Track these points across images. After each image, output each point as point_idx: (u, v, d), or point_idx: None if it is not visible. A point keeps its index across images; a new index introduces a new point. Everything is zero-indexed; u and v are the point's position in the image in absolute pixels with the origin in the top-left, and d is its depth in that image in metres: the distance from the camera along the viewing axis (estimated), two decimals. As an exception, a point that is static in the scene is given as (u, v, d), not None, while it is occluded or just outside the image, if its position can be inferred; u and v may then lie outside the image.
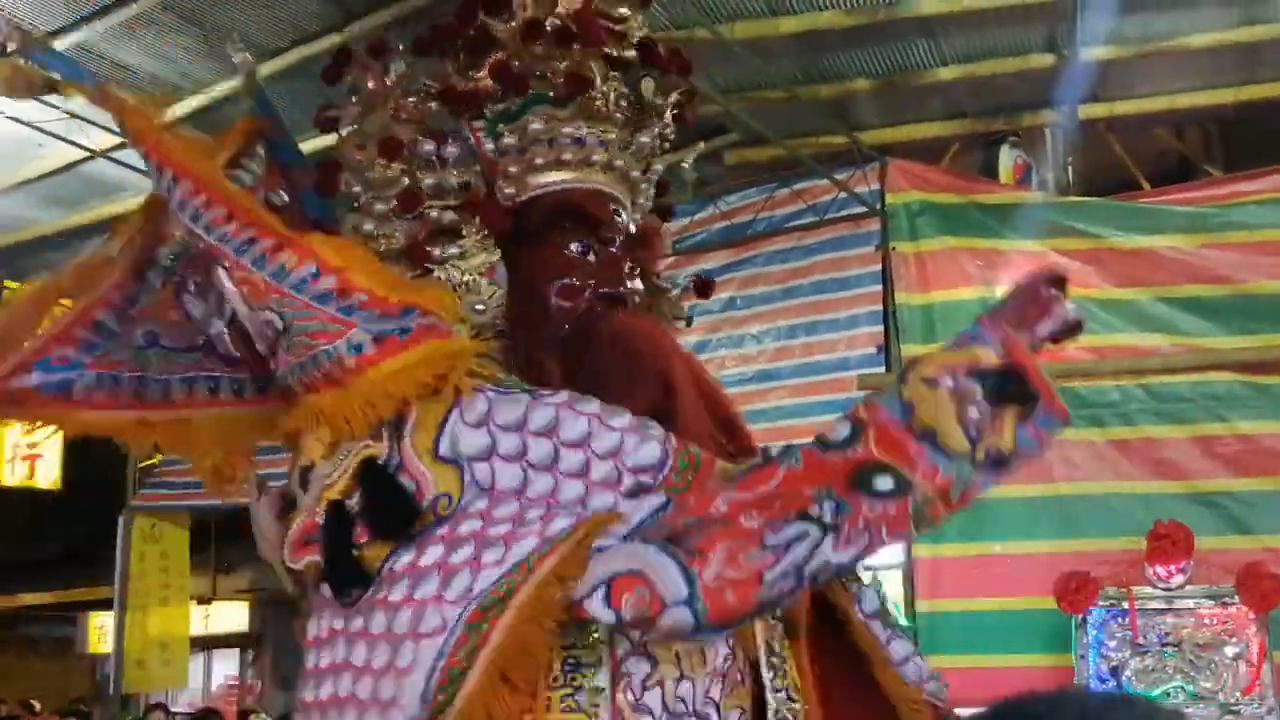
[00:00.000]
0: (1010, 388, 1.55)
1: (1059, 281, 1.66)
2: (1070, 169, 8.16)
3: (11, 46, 2.10)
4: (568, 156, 2.06)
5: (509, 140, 2.06)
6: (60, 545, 14.64)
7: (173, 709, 12.59)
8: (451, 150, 2.05)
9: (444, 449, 1.77)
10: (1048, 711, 1.09)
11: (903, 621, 7.03)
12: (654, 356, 1.96)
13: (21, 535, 14.49)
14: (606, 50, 2.12)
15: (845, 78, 7.87)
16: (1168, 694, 6.53)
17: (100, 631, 14.89)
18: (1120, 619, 6.75)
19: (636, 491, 1.72)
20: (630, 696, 1.76)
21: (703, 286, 2.33)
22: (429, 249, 2.00)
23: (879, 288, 7.94)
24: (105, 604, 12.58)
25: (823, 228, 8.28)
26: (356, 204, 2.07)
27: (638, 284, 2.13)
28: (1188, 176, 8.30)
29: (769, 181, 8.45)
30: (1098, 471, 7.40)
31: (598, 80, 2.07)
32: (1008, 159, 8.12)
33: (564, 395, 1.80)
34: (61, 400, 2.07)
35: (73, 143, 8.11)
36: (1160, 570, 6.70)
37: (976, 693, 6.66)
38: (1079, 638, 6.75)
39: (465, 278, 1.99)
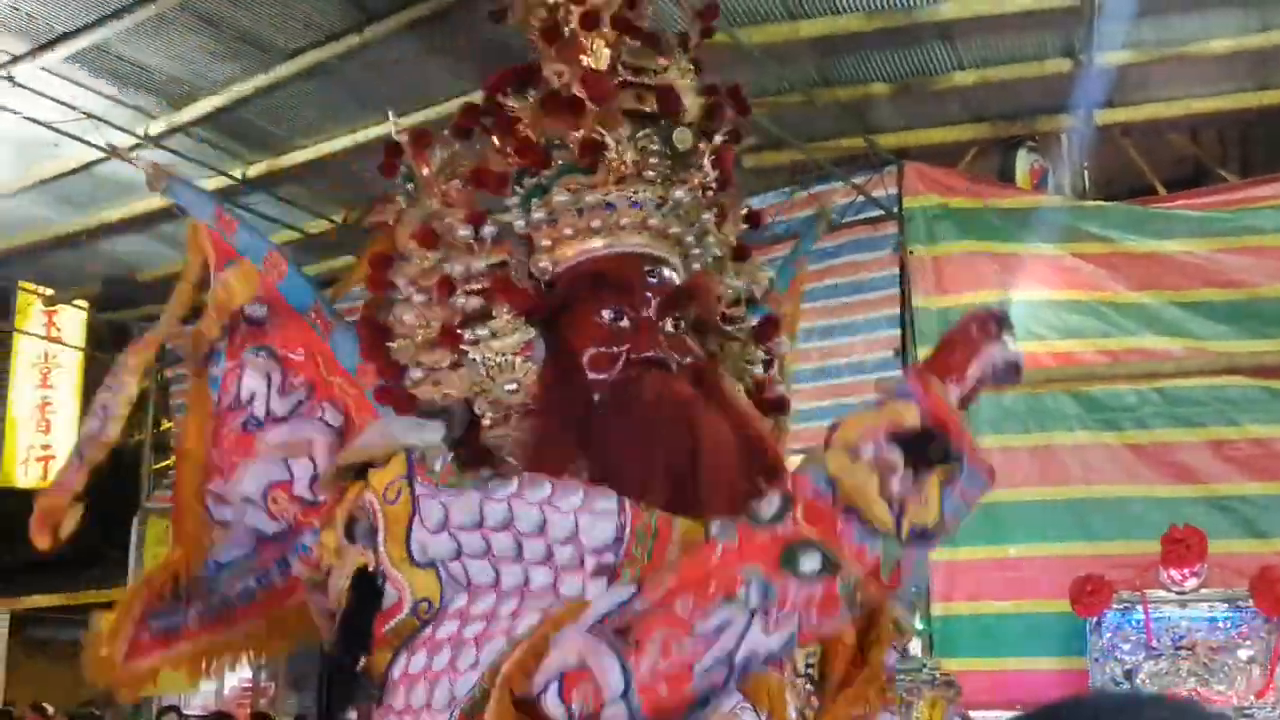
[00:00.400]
0: (933, 449, 1.49)
1: (999, 322, 1.61)
2: (1086, 173, 8.18)
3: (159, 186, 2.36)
4: (596, 224, 2.04)
5: (538, 215, 2.04)
6: (72, 546, 14.61)
7: (186, 712, 12.56)
8: (489, 230, 2.03)
9: (416, 555, 1.80)
10: (1108, 713, 1.03)
11: (918, 625, 7.07)
12: (676, 421, 1.91)
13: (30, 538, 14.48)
14: (637, 107, 2.07)
15: (863, 82, 7.89)
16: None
17: (111, 633, 14.87)
18: (1134, 622, 6.77)
19: (600, 571, 1.73)
20: None
21: (764, 329, 2.23)
22: (460, 333, 1.99)
23: (896, 291, 7.96)
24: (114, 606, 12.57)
25: (840, 231, 8.29)
26: (399, 296, 2.07)
27: (689, 340, 2.07)
28: (1203, 181, 8.33)
29: (786, 185, 8.47)
30: (1112, 475, 7.44)
31: (611, 142, 2.03)
32: (1024, 163, 8.15)
33: (514, 485, 1.80)
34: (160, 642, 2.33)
35: (88, 143, 8.12)
36: (1174, 574, 6.73)
37: (991, 695, 6.71)
38: (1093, 641, 6.78)
39: (498, 359, 1.98)
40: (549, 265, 2.05)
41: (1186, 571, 6.74)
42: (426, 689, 1.72)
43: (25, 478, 12.66)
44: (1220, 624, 6.70)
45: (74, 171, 8.71)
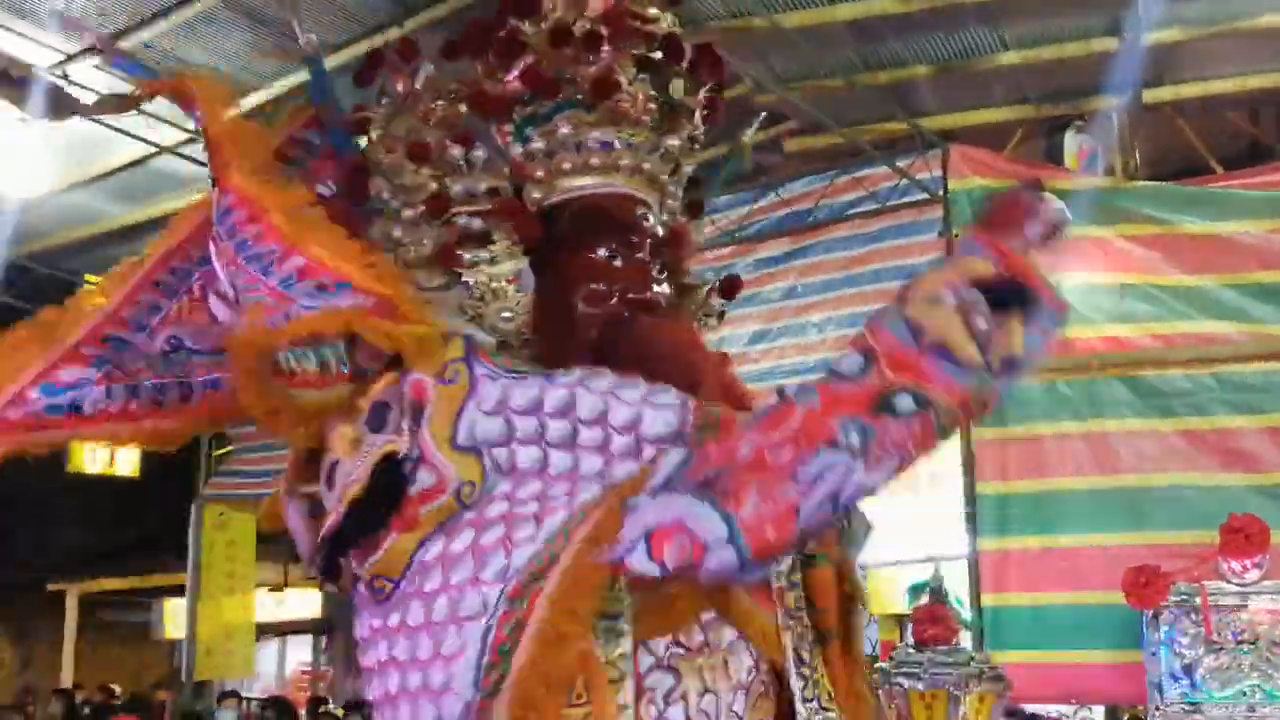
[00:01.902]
0: (1011, 293, 1.56)
1: (1036, 185, 1.68)
2: (1137, 153, 8.00)
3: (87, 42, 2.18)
4: (595, 161, 2.04)
5: (537, 145, 2.04)
6: (138, 531, 14.93)
7: (246, 695, 12.75)
8: (479, 154, 2.04)
9: (462, 438, 1.78)
10: None
11: (967, 616, 6.95)
12: (680, 363, 1.94)
13: (101, 522, 14.81)
14: (635, 51, 2.08)
15: (904, 64, 7.78)
16: (1243, 693, 6.38)
17: (178, 618, 15.15)
18: (1193, 615, 6.59)
19: (657, 459, 1.72)
20: (654, 711, 1.76)
21: (729, 286, 2.27)
22: (458, 254, 1.99)
23: (942, 276, 7.84)
24: (180, 590, 12.83)
25: (884, 215, 8.20)
26: (384, 209, 2.06)
27: (666, 287, 2.10)
28: (1260, 159, 8.11)
29: (829, 169, 8.39)
30: (1167, 462, 7.26)
31: (624, 83, 2.04)
32: (1073, 144, 7.99)
33: (577, 374, 1.80)
34: (73, 418, 2.08)
35: (142, 139, 8.26)
36: (1234, 564, 6.54)
37: (1044, 689, 6.55)
38: (1149, 634, 6.60)
39: (493, 284, 1.97)
40: (540, 196, 2.05)
41: (1247, 562, 6.55)
42: (474, 564, 1.70)
43: (93, 464, 12.96)
44: (1284, 617, 6.51)
45: (129, 166, 8.88)
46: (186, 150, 8.48)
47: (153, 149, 8.47)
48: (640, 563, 1.61)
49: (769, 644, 1.90)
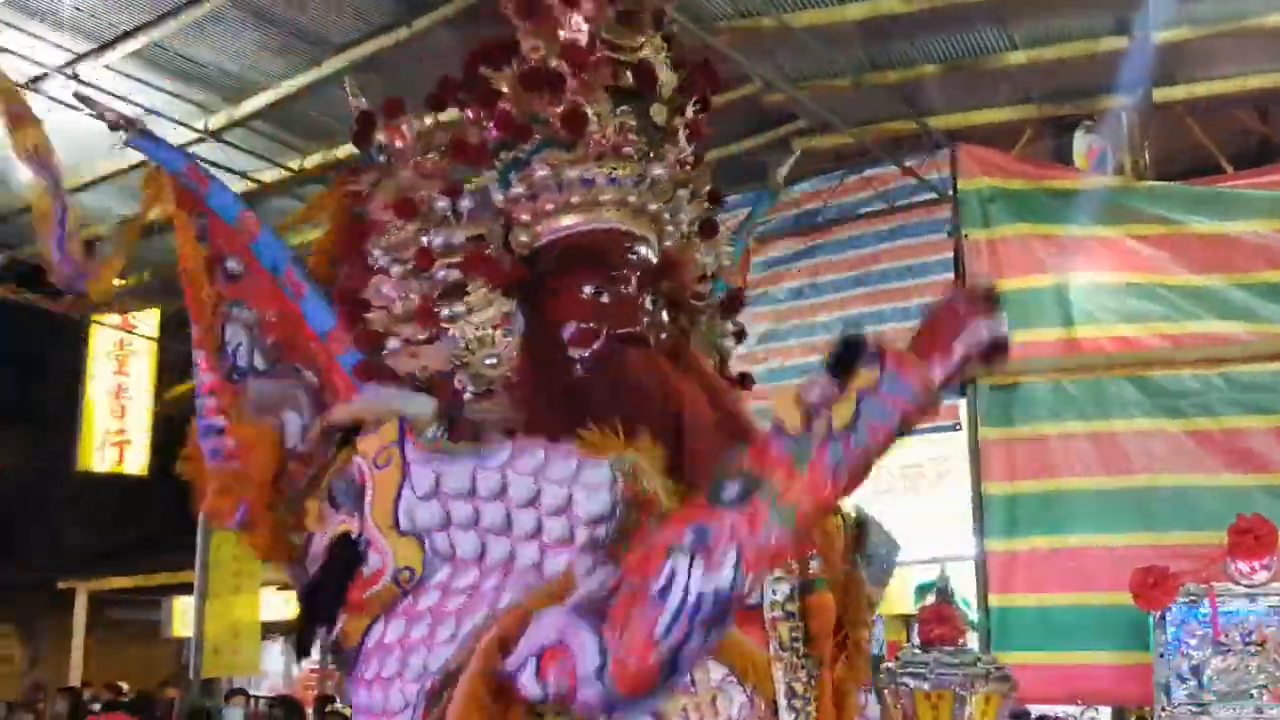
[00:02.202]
0: (853, 356, 1.54)
1: (988, 299, 1.60)
2: (1147, 153, 7.97)
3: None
4: (576, 199, 2.04)
5: (518, 189, 2.05)
6: (146, 530, 14.97)
7: (253, 693, 12.77)
8: (466, 204, 2.05)
9: (402, 522, 1.80)
10: None
11: (974, 617, 6.93)
12: (661, 398, 1.95)
13: (110, 520, 14.85)
14: (614, 83, 2.08)
15: (912, 64, 7.77)
16: (1251, 695, 6.36)
17: (186, 615, 15.19)
18: (1200, 616, 6.57)
19: (590, 545, 1.73)
20: None
21: (730, 301, 2.30)
22: (436, 309, 2.01)
23: (950, 275, 7.84)
24: (188, 588, 12.86)
25: (893, 215, 8.20)
26: (374, 268, 2.09)
27: (664, 316, 2.11)
28: (1270, 158, 8.08)
29: (838, 169, 8.38)
30: (1176, 463, 7.24)
31: (593, 117, 2.04)
32: (1081, 144, 7.97)
33: (507, 453, 1.81)
34: None
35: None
36: (1243, 566, 6.51)
37: (1050, 690, 6.54)
38: (1157, 635, 6.58)
39: (477, 333, 1.99)
40: (528, 239, 2.06)
41: (1256, 564, 6.52)
42: (400, 658, 1.76)
43: (101, 462, 12.99)
44: (1292, 619, 6.48)
45: (137, 166, 8.83)
46: (195, 150, 8.50)
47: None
48: (528, 682, 1.61)
49: (760, 677, 1.89)
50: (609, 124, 2.05)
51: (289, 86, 7.98)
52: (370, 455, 1.84)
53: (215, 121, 8.25)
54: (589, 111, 2.03)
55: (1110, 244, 7.51)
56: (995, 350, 1.59)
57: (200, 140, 8.33)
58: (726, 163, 8.97)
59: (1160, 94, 7.55)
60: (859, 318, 8.17)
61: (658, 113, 2.09)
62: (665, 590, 1.54)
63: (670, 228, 2.16)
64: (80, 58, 7.46)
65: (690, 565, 1.54)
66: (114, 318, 12.67)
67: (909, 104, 7.98)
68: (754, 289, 8.68)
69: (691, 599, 1.54)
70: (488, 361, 1.99)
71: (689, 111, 2.14)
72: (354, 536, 1.81)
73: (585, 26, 2.08)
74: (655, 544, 1.58)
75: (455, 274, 2.01)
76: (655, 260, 2.10)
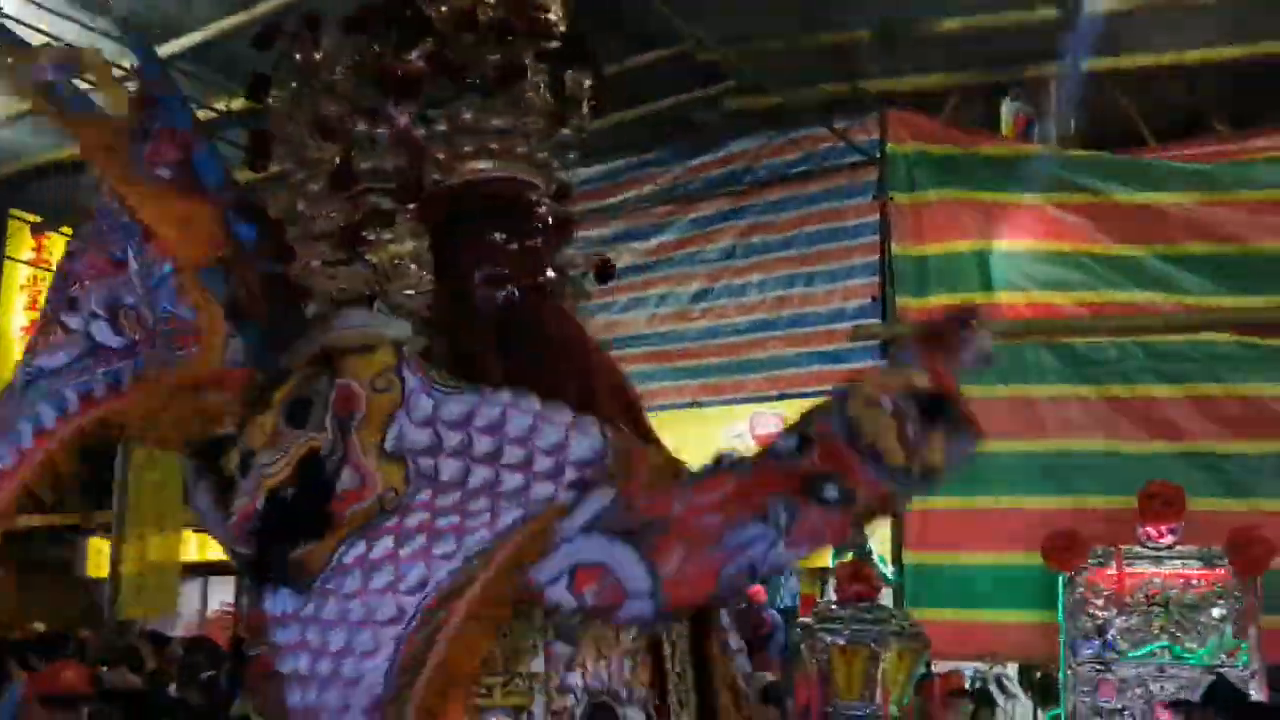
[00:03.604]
0: (939, 409, 1.67)
1: (972, 316, 1.76)
2: (1074, 123, 8.05)
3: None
4: (494, 146, 2.08)
5: (439, 127, 2.08)
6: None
7: (169, 634, 12.64)
8: (381, 131, 2.06)
9: (390, 445, 1.82)
10: None
11: (888, 572, 7.03)
12: (575, 354, 2.05)
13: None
14: (546, 44, 2.14)
15: (846, 27, 7.76)
16: (1152, 653, 6.53)
17: (100, 556, 14.99)
18: (1108, 577, 6.73)
19: (578, 484, 1.80)
20: (556, 678, 1.88)
21: (603, 269, 2.33)
22: (362, 232, 2.02)
23: (876, 239, 7.89)
24: (104, 529, 12.65)
25: (822, 177, 8.22)
26: (288, 180, 2.09)
27: (551, 271, 2.18)
28: (1195, 131, 8.20)
29: (768, 129, 8.38)
30: (1092, 429, 7.38)
31: (530, 72, 2.10)
32: (1009, 112, 8.04)
33: (508, 394, 1.86)
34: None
35: (73, 74, 8.04)
36: (1150, 530, 6.68)
37: (962, 647, 6.65)
38: (1066, 595, 6.74)
39: (395, 262, 2.02)
40: (439, 178, 2.08)
41: (1163, 528, 6.69)
42: (393, 572, 1.76)
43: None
44: (1195, 582, 6.65)
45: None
46: (125, 84, 8.28)
47: (89, 83, 8.23)
48: (560, 594, 1.70)
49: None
50: (533, 80, 2.10)
51: (218, 28, 7.80)
52: (366, 378, 1.85)
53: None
54: (528, 68, 2.08)
55: (1034, 211, 7.59)
56: (985, 361, 1.74)
57: (124, 79, 8.10)
58: (655, 118, 8.95)
59: (1090, 64, 7.59)
60: (788, 279, 8.21)
61: (571, 79, 2.14)
62: (745, 544, 1.66)
63: (555, 186, 2.22)
64: (2, -10, 7.23)
65: (775, 540, 1.66)
66: (28, 253, 12.45)
67: (841, 67, 7.96)
68: (685, 248, 8.69)
69: (764, 565, 1.67)
70: (405, 293, 2.01)
71: (590, 81, 2.19)
72: (322, 454, 1.82)
73: None
74: (729, 503, 1.68)
75: (385, 201, 2.03)
76: (554, 216, 2.17)
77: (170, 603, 11.92)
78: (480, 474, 1.80)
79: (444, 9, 2.09)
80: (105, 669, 8.76)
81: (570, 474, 1.79)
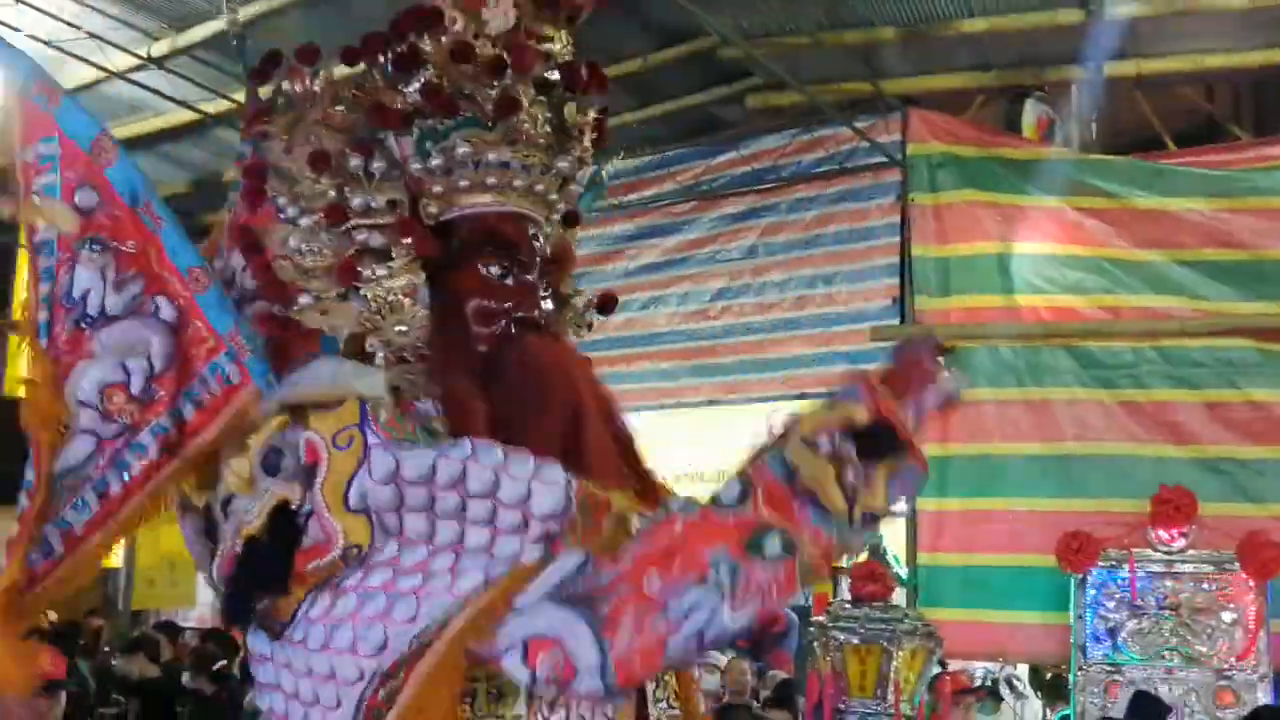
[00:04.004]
0: (880, 443, 1.65)
1: (939, 349, 1.76)
2: (1094, 126, 8.07)
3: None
4: (491, 180, 2.08)
5: (435, 161, 2.06)
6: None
7: (184, 625, 12.72)
8: (377, 165, 2.05)
9: (353, 501, 1.83)
10: None
11: (902, 573, 7.08)
12: (565, 387, 2.03)
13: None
14: (541, 74, 2.13)
15: (871, 26, 7.79)
16: (1162, 656, 6.57)
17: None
18: (1119, 580, 6.76)
19: (542, 538, 1.80)
20: (539, 718, 1.87)
21: (606, 303, 2.33)
22: (357, 268, 2.02)
23: (897, 239, 7.91)
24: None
25: (844, 177, 8.24)
26: (282, 215, 2.08)
27: (548, 304, 2.19)
28: (1215, 137, 8.21)
29: (790, 128, 8.40)
30: (1107, 432, 7.39)
31: (525, 104, 2.08)
32: (1031, 114, 8.05)
33: (467, 448, 1.85)
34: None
35: (92, 63, 8.10)
36: (1162, 534, 6.70)
37: (974, 646, 6.73)
38: (1077, 597, 6.77)
39: (389, 298, 2.01)
40: (436, 212, 2.08)
41: (1175, 532, 6.71)
42: (353, 635, 1.78)
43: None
44: (1205, 586, 6.67)
45: (78, 90, 8.68)
46: (138, 77, 8.35)
47: (102, 74, 8.31)
48: (513, 665, 1.68)
49: None
50: (531, 113, 2.10)
51: (238, 16, 7.82)
52: (329, 435, 1.85)
53: (159, 49, 8.10)
54: (523, 100, 2.07)
55: (1055, 214, 7.60)
56: (950, 401, 1.75)
57: (143, 67, 8.18)
58: (679, 116, 8.99)
59: (1112, 68, 7.61)
60: (810, 279, 8.24)
61: (570, 110, 2.15)
62: (688, 611, 1.64)
63: (556, 217, 2.22)
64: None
65: (719, 601, 1.63)
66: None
67: (865, 66, 7.99)
68: (706, 246, 8.73)
69: (711, 631, 1.65)
70: (398, 329, 2.01)
71: (592, 113, 2.19)
72: (293, 507, 1.83)
73: (511, 12, 2.11)
74: (673, 561, 1.65)
75: (378, 237, 2.03)
76: (551, 249, 2.18)
77: (187, 594, 11.97)
78: (445, 530, 1.81)
79: (442, 40, 2.08)
80: (121, 657, 8.86)
81: (535, 529, 1.80)
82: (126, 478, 2.08)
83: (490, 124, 2.06)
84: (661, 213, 8.87)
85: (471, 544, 1.80)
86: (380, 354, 2.01)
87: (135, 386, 2.06)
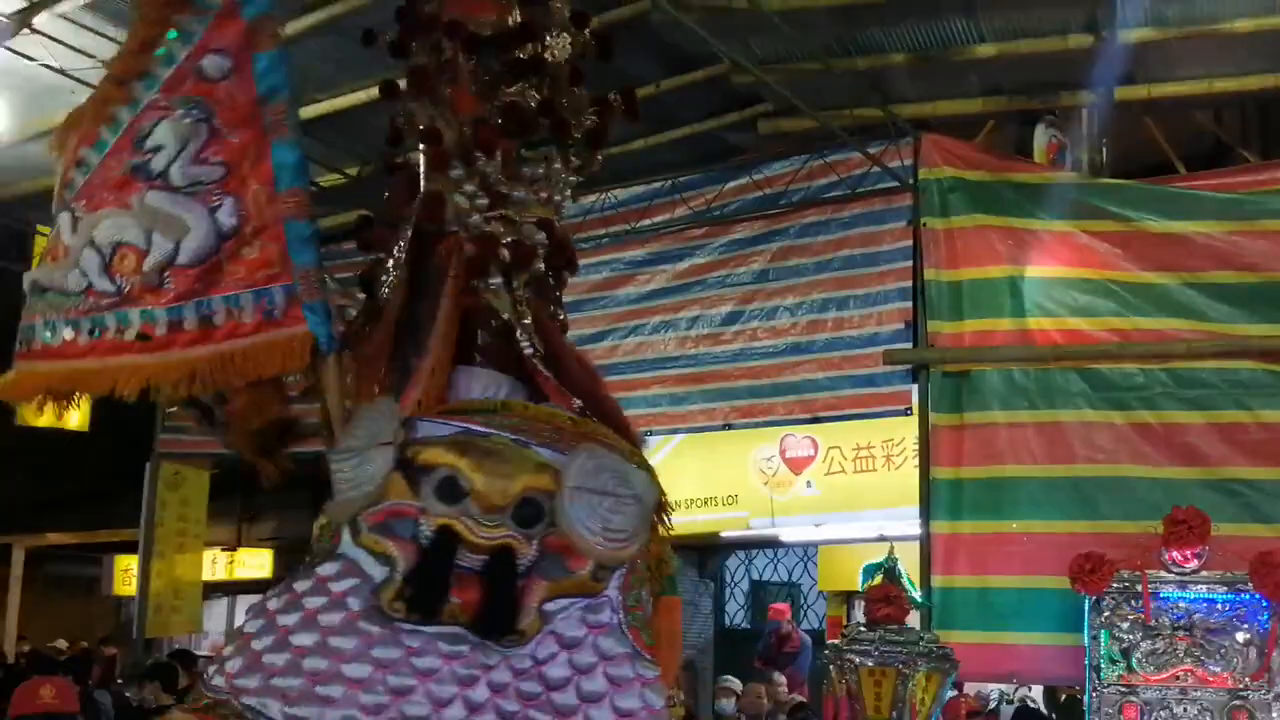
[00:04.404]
0: None
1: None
2: (1105, 150, 8.11)
3: None
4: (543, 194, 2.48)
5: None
6: (86, 485, 14.82)
7: (196, 653, 12.76)
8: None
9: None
10: None
11: (917, 596, 7.11)
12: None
13: (49, 474, 14.67)
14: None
15: (882, 51, 7.85)
16: (1177, 677, 6.58)
17: (126, 574, 15.11)
18: (1133, 601, 6.77)
19: None
20: None
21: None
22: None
23: (909, 263, 7.94)
24: (129, 546, 12.76)
25: (856, 201, 8.27)
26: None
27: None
28: (1224, 160, 8.25)
29: (802, 153, 8.45)
30: (1118, 454, 7.41)
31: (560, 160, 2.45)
32: (1042, 138, 8.08)
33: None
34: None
35: (102, 90, 8.16)
36: (1176, 555, 6.71)
37: (988, 668, 6.75)
38: (1092, 618, 6.78)
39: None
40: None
41: (1188, 553, 6.72)
42: None
43: (39, 415, 12.78)
44: (1219, 606, 6.68)
45: (91, 115, 8.75)
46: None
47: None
48: None
49: None
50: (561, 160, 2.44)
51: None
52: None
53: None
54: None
55: (1065, 238, 7.64)
56: None
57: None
58: (691, 141, 9.04)
59: (1122, 92, 7.66)
60: (821, 303, 8.27)
61: (589, 161, 2.47)
62: None
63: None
64: (35, 6, 7.34)
65: None
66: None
67: (876, 91, 8.05)
68: (717, 270, 8.76)
69: None
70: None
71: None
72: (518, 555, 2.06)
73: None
74: None
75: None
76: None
77: (194, 620, 12.01)
78: None
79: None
80: (135, 686, 8.88)
81: None
82: (95, 335, 2.04)
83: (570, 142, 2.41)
84: (673, 238, 8.90)
85: None
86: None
87: (148, 263, 2.02)
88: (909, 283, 7.92)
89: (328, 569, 2.02)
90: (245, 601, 16.18)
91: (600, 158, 2.42)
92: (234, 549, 15.23)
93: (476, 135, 2.23)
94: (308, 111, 8.56)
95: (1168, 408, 7.41)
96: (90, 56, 7.71)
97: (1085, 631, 6.80)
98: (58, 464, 14.37)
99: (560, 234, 2.40)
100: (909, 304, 7.93)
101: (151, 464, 11.25)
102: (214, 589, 14.36)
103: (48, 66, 7.81)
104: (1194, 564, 6.71)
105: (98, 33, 7.68)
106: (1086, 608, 6.82)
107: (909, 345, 7.84)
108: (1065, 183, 7.82)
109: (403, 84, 2.33)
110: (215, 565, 14.36)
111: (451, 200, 2.26)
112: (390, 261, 2.27)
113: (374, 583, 2.00)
